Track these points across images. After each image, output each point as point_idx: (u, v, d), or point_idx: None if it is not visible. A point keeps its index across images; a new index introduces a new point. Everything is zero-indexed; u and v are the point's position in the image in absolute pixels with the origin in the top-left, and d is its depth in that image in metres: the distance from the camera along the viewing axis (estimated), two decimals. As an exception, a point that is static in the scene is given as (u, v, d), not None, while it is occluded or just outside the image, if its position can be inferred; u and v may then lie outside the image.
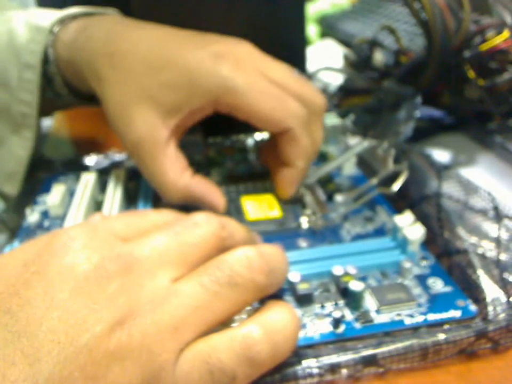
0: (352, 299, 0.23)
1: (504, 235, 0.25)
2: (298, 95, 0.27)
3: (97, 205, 0.31)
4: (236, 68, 0.26)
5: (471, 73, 0.35)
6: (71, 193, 0.32)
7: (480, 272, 0.24)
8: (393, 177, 0.29)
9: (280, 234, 0.29)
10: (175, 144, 0.27)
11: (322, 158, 0.37)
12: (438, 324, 0.22)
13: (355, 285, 0.22)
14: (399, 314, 0.22)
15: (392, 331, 0.22)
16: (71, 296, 0.15)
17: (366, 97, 0.41)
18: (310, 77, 0.41)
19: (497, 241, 0.25)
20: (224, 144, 0.39)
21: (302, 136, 0.27)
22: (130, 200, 0.32)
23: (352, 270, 0.24)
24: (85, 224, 0.19)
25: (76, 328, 0.15)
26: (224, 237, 0.19)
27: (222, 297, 0.17)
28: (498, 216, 0.26)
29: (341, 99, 0.46)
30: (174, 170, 0.26)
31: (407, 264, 0.24)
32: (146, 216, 0.21)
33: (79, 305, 0.15)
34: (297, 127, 0.26)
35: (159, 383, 0.15)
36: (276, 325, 0.18)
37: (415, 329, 0.22)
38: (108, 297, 0.16)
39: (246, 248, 0.19)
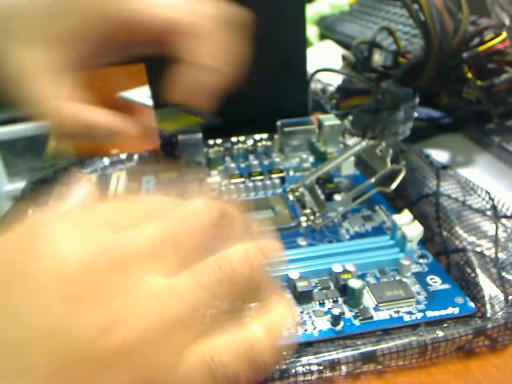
0: (351, 296, 0.23)
1: (502, 234, 0.25)
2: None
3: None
4: None
5: (469, 74, 0.36)
6: (71, 193, 0.32)
7: (478, 271, 0.24)
8: (391, 177, 0.29)
9: (280, 233, 0.29)
10: (66, 72, 0.26)
11: (321, 158, 0.38)
12: (436, 321, 0.22)
13: (354, 282, 0.23)
14: (397, 312, 0.23)
15: (390, 328, 0.22)
16: (58, 300, 0.14)
17: (365, 98, 0.41)
18: (310, 77, 0.42)
19: (495, 240, 0.25)
20: (224, 144, 0.39)
21: (210, 30, 0.26)
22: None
23: (351, 268, 0.24)
24: (72, 214, 0.17)
25: (65, 335, 0.14)
26: (224, 226, 0.18)
27: (222, 297, 0.16)
28: (496, 215, 0.27)
29: (340, 100, 0.46)
30: (57, 92, 0.25)
31: (406, 262, 0.24)
32: (139, 202, 0.19)
33: (68, 309, 0.14)
34: (203, 20, 0.26)
35: None
36: (277, 325, 0.17)
37: (413, 326, 0.22)
38: (98, 298, 0.14)
39: (247, 245, 0.18)
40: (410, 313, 0.22)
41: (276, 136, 0.40)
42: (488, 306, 0.22)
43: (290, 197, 0.33)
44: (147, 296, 0.15)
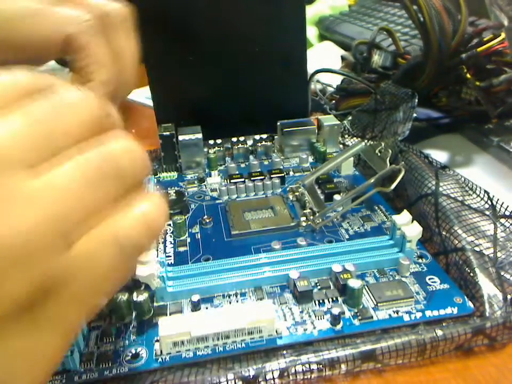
0: (350, 296, 0.23)
1: (500, 234, 0.26)
2: (78, 3, 0.24)
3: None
4: None
5: (468, 75, 0.36)
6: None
7: (477, 270, 0.24)
8: (391, 177, 0.29)
9: (280, 233, 0.29)
10: None
11: (321, 158, 0.38)
12: (435, 321, 0.22)
13: (353, 282, 0.23)
14: (397, 311, 0.23)
15: (390, 327, 0.22)
16: None
17: (364, 99, 0.41)
18: (309, 78, 0.42)
19: (493, 239, 0.25)
20: (224, 144, 0.39)
21: (91, 43, 0.23)
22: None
23: (350, 267, 0.24)
24: None
25: None
26: (105, 122, 0.16)
27: (106, 191, 0.15)
28: (495, 215, 0.27)
29: (339, 100, 0.47)
30: None
31: (405, 262, 0.25)
32: None
33: None
34: (79, 32, 0.23)
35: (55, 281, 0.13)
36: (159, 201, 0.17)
37: (412, 325, 0.22)
38: None
39: (128, 141, 0.16)
40: (409, 312, 0.23)
41: (276, 136, 0.40)
42: (487, 305, 0.22)
43: (290, 197, 0.33)
44: (22, 200, 0.13)
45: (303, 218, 0.30)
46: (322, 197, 0.32)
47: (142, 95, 0.53)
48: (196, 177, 0.37)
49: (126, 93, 0.26)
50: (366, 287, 0.24)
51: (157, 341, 0.21)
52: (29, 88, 0.15)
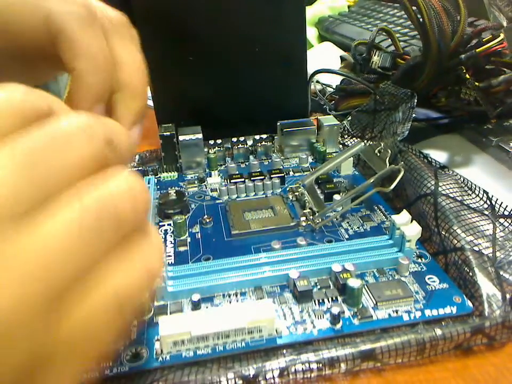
0: (350, 295, 0.23)
1: (499, 233, 0.26)
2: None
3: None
4: None
5: (467, 75, 0.36)
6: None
7: (476, 270, 0.24)
8: (390, 177, 0.29)
9: (280, 232, 0.29)
10: None
11: (321, 158, 0.38)
12: (434, 320, 0.22)
13: (353, 282, 0.23)
14: (396, 311, 0.23)
15: (389, 327, 0.22)
16: None
17: (364, 99, 0.41)
18: (309, 78, 0.42)
19: (493, 239, 0.25)
20: (224, 144, 0.39)
21: (83, 37, 0.21)
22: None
23: (350, 267, 0.24)
24: None
25: None
26: (108, 156, 0.14)
27: (103, 238, 0.13)
28: (494, 214, 0.27)
29: (339, 101, 0.47)
30: None
31: (404, 262, 0.25)
32: None
33: None
34: (72, 25, 0.20)
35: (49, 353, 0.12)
36: (158, 244, 0.16)
37: (412, 325, 0.22)
38: None
39: (129, 177, 0.15)
40: (408, 312, 0.23)
41: (276, 136, 0.40)
42: (486, 305, 0.22)
43: (290, 197, 0.33)
44: (8, 262, 0.11)
45: (303, 218, 0.30)
46: (322, 196, 0.32)
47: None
48: (196, 177, 0.37)
49: (138, 106, 0.23)
50: (365, 286, 0.24)
51: (157, 340, 0.21)
52: (24, 112, 0.13)
